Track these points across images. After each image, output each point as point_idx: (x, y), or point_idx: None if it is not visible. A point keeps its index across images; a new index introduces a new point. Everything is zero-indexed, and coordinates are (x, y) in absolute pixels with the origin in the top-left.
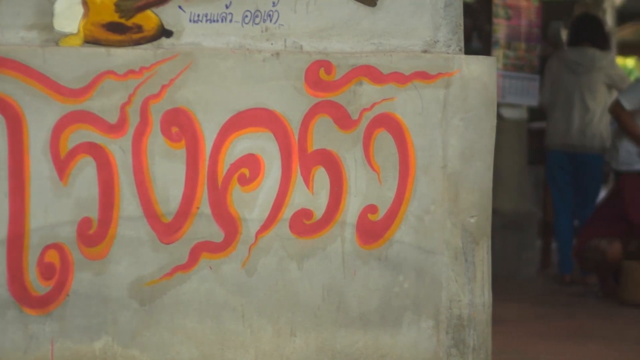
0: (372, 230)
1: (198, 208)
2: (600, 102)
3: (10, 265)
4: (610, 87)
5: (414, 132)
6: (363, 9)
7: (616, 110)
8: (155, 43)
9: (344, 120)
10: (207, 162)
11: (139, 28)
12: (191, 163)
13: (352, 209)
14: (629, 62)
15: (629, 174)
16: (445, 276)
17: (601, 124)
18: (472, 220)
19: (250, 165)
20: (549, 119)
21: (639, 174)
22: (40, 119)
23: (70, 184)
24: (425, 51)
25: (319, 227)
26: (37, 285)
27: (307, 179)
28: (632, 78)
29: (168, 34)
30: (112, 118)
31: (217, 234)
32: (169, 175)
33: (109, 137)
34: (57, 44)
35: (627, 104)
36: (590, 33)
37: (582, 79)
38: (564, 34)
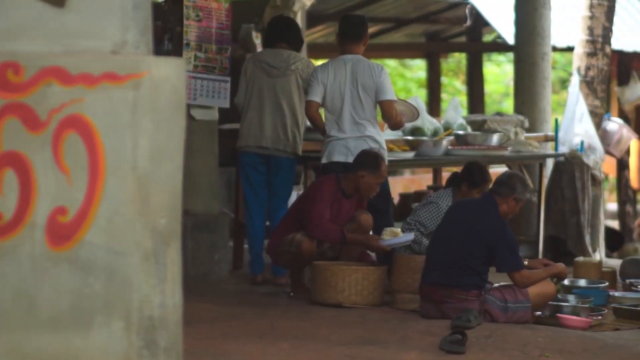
0: (62, 231)
1: None
2: (294, 104)
3: None
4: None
5: (104, 134)
6: (51, 9)
7: (310, 108)
8: None
9: (32, 122)
10: None
11: None
12: None
13: (41, 210)
14: (320, 63)
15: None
16: (136, 277)
17: (295, 126)
18: (162, 221)
19: None
20: (243, 121)
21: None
22: None
23: None
24: (114, 52)
25: (8, 229)
26: None
27: None
28: None
29: None
30: None
31: None
32: None
33: None
34: None
35: (314, 97)
36: (286, 34)
37: (277, 81)
38: (255, 36)
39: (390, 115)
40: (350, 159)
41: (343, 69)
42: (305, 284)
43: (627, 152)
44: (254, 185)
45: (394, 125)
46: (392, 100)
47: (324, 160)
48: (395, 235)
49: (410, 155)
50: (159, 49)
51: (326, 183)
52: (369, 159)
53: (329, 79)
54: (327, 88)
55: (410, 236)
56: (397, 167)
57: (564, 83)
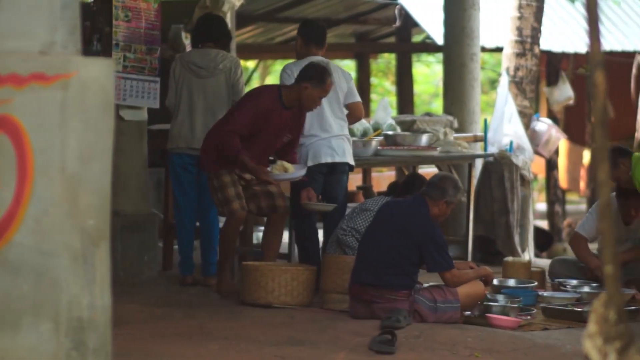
0: None
1: None
2: (225, 104)
3: None
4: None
5: (33, 134)
6: None
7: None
8: None
9: None
10: None
11: None
12: None
13: None
14: (250, 64)
15: None
16: (64, 278)
17: None
18: (91, 222)
19: None
20: (174, 122)
21: None
22: None
23: None
24: (42, 53)
25: None
26: None
27: None
28: (252, 79)
29: None
30: None
31: None
32: None
33: None
34: None
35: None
36: (213, 33)
37: (206, 82)
38: (185, 37)
39: (360, 115)
40: (337, 159)
41: None
42: (232, 281)
43: (556, 152)
44: (184, 186)
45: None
46: (360, 102)
47: (309, 163)
48: (286, 170)
49: None
50: (88, 50)
51: (265, 95)
52: (315, 72)
53: None
54: None
55: (301, 172)
56: None
57: (493, 83)
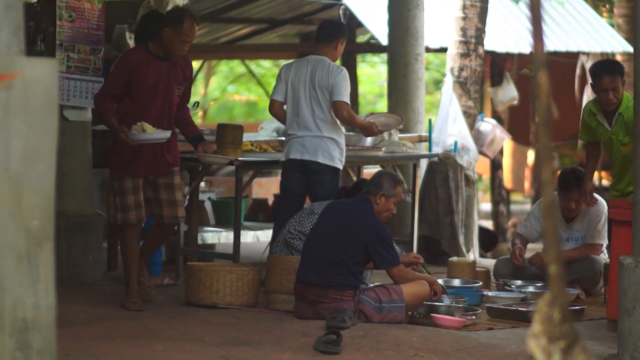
0: None
1: None
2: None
3: None
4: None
5: None
6: None
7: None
8: None
9: None
10: None
11: None
12: None
13: None
14: (195, 64)
15: None
16: (9, 279)
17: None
18: (35, 222)
19: None
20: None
21: None
22: None
23: None
24: None
25: None
26: None
27: None
28: (197, 80)
29: None
30: None
31: None
32: None
33: None
34: None
35: (276, 95)
36: (154, 32)
37: None
38: (129, 37)
39: (340, 116)
40: (306, 156)
41: (305, 68)
42: (138, 299)
43: (501, 152)
44: None
45: (348, 124)
46: (343, 102)
47: (282, 158)
48: (144, 130)
49: None
50: (32, 50)
51: (129, 52)
52: (173, 15)
53: (290, 77)
54: (289, 86)
55: (163, 134)
56: (272, 167)
57: (437, 84)
